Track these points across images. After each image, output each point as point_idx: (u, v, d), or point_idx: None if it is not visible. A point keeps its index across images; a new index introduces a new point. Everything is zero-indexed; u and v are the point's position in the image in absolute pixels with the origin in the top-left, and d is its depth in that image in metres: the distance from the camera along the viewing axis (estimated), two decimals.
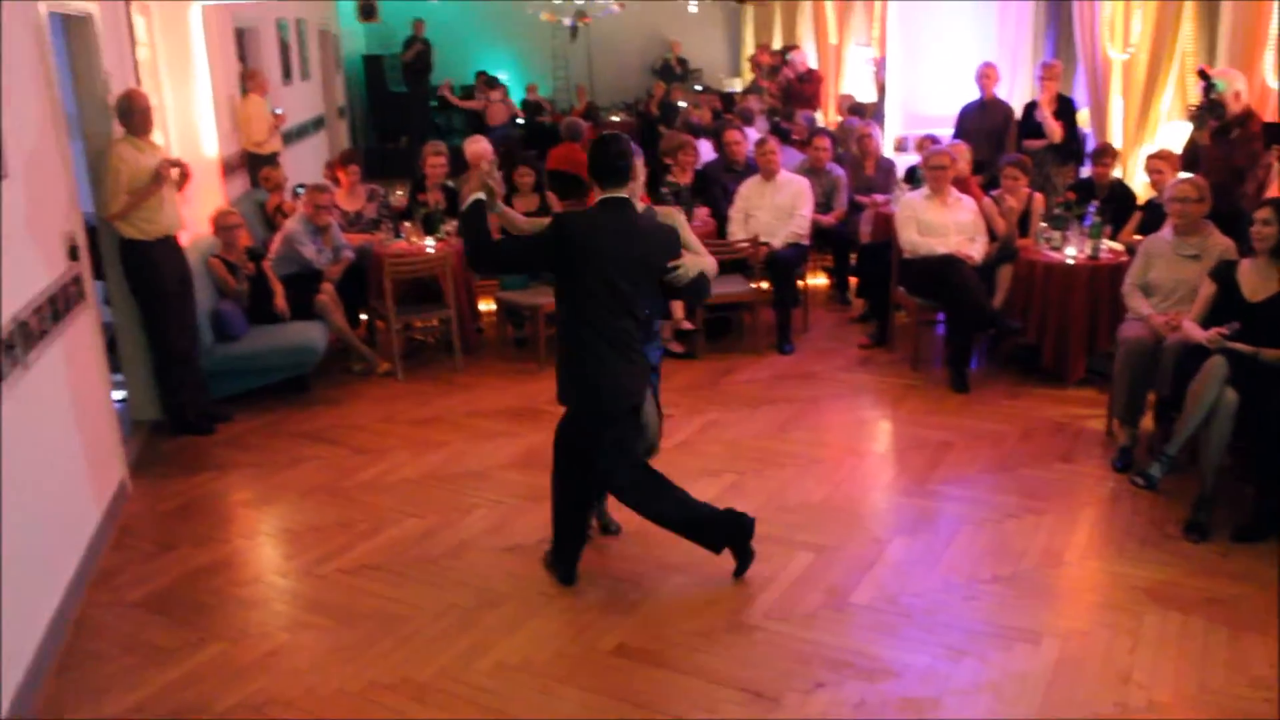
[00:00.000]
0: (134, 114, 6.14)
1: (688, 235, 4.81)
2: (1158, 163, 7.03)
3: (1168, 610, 4.43)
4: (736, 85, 18.51)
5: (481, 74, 17.15)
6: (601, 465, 4.60)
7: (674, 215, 4.93)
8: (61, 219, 5.17)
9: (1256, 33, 6.98)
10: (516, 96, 17.80)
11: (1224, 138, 6.46)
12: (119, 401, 6.32)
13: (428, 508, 5.58)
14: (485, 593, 4.72)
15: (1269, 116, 6.72)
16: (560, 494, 4.78)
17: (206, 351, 6.89)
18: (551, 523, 4.85)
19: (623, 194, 4.45)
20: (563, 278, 4.48)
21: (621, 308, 4.42)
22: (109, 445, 5.63)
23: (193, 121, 7.89)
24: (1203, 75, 6.54)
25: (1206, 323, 5.38)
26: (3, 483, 3.98)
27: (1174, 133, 8.03)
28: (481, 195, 4.55)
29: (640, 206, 4.67)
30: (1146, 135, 8.28)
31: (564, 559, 4.80)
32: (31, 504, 4.29)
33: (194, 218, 7.20)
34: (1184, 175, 6.36)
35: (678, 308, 7.76)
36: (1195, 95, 6.89)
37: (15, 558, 4.06)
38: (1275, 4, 6.73)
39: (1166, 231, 6.00)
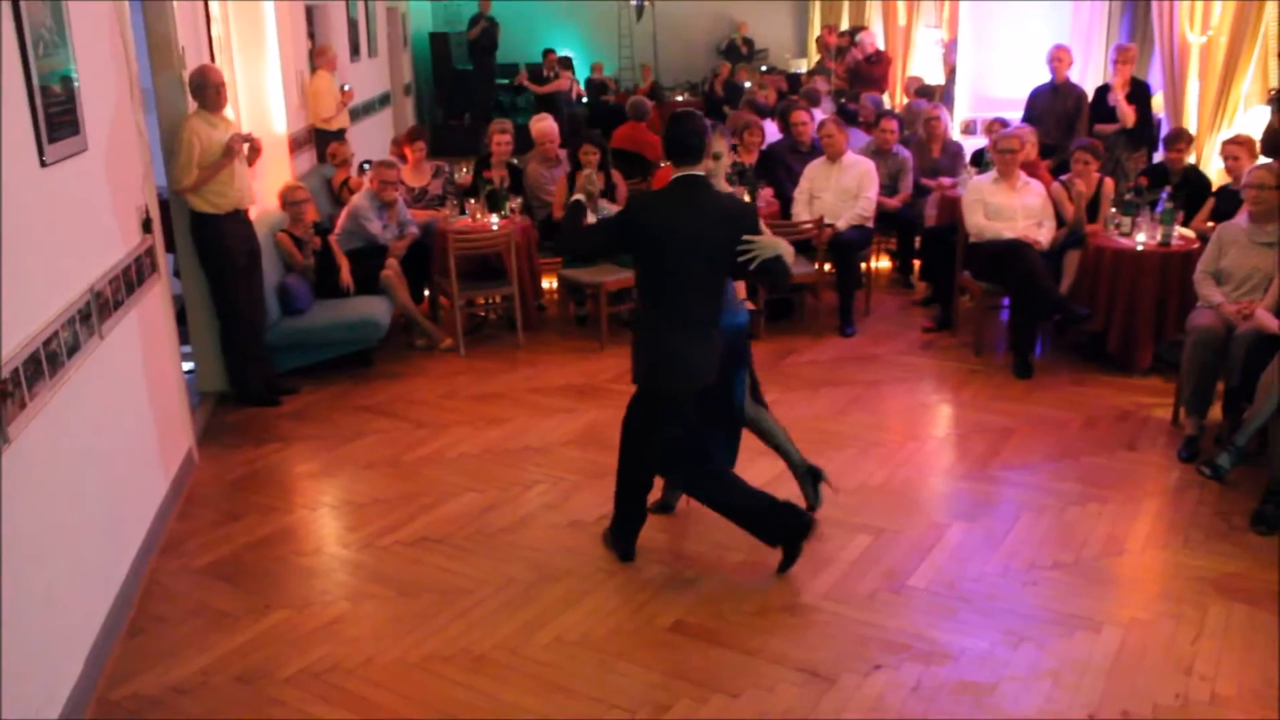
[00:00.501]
0: (207, 89, 6.23)
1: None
2: (1234, 148, 6.88)
3: (1233, 602, 4.36)
4: (802, 66, 18.39)
5: (550, 52, 17.14)
6: (663, 449, 4.60)
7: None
8: (136, 192, 5.27)
9: None
10: (581, 76, 17.82)
11: None
12: (187, 372, 6.43)
13: (488, 483, 5.64)
14: (544, 568, 4.77)
15: None
16: (622, 473, 4.79)
17: (273, 325, 7.00)
18: (614, 499, 4.87)
19: (696, 171, 4.40)
20: (637, 259, 4.52)
21: (694, 288, 4.40)
22: (177, 415, 5.74)
23: (263, 97, 8.00)
24: None
25: None
26: (77, 449, 4.08)
27: (1253, 118, 7.86)
28: (582, 197, 4.73)
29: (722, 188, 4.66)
30: (1223, 120, 8.11)
31: (623, 537, 4.83)
32: (104, 471, 4.40)
33: (262, 192, 7.30)
34: (1262, 161, 6.22)
35: (740, 288, 7.73)
36: (1277, 78, 6.73)
37: (88, 523, 4.17)
38: None
39: (1242, 218, 5.89)
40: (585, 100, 15.92)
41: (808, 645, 4.15)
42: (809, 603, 4.44)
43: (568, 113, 15.20)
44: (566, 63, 16.62)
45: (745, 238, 4.35)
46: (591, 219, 4.88)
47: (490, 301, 8.45)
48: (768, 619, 4.34)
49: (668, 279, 4.39)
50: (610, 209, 5.28)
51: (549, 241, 8.47)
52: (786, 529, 4.62)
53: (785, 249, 4.44)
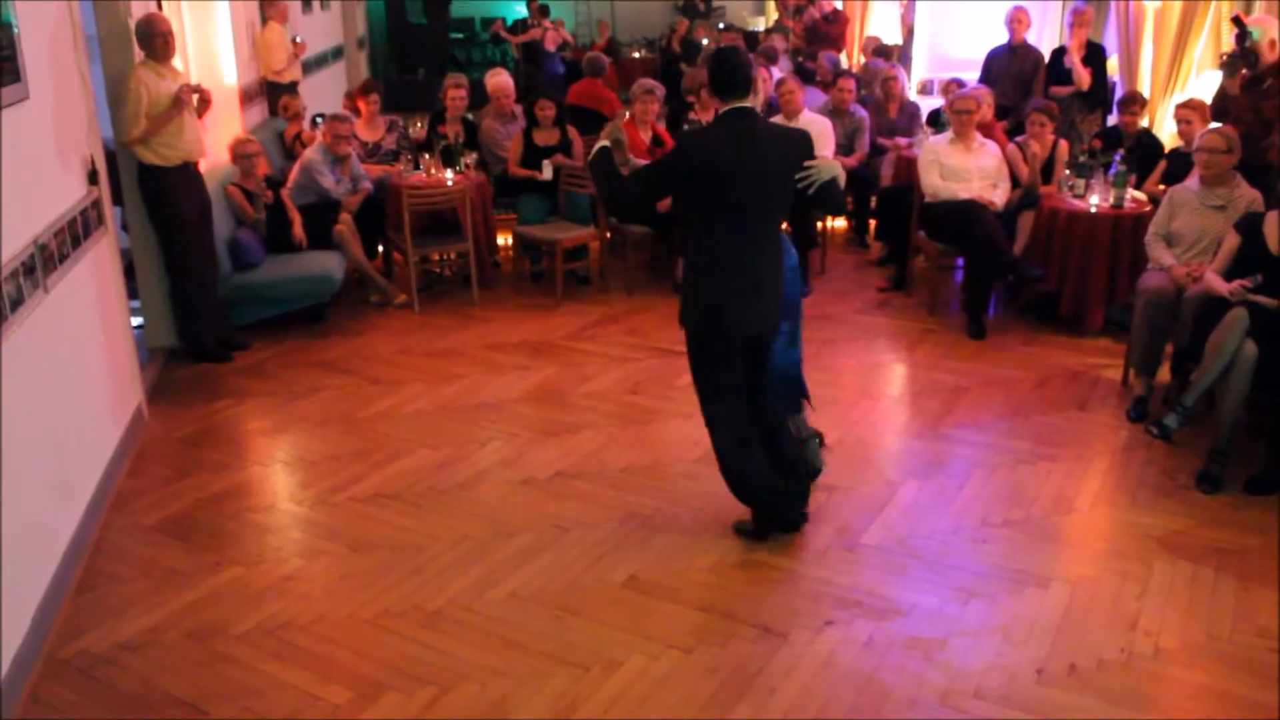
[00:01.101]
0: (154, 38, 6.09)
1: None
2: (1187, 112, 6.92)
3: (1177, 559, 4.44)
4: (760, 24, 18.27)
5: (534, 2, 16.77)
6: (701, 397, 4.50)
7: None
8: (81, 143, 5.16)
9: None
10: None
11: (1256, 88, 6.37)
12: (136, 328, 6.34)
13: (442, 439, 5.61)
14: (498, 524, 4.76)
15: None
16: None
17: (224, 279, 6.90)
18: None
19: (745, 104, 4.22)
20: (689, 202, 4.29)
21: (758, 223, 4.26)
22: (126, 371, 5.66)
23: (212, 48, 7.84)
24: (1236, 22, 6.43)
25: (1229, 275, 5.34)
26: (22, 406, 4.01)
27: (1205, 83, 7.92)
28: (607, 143, 4.42)
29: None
30: (1176, 84, 8.17)
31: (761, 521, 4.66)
32: (50, 427, 4.34)
33: (213, 145, 7.16)
34: (1213, 125, 6.28)
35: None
36: (1228, 43, 6.77)
37: (35, 479, 4.11)
38: None
39: (1193, 181, 5.94)
40: (567, 53, 15.48)
41: (760, 601, 4.18)
42: (762, 559, 4.47)
43: (549, 70, 14.93)
44: (545, 10, 16.27)
45: (806, 163, 4.26)
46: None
47: (445, 258, 8.38)
48: (721, 575, 4.36)
49: (730, 216, 4.20)
50: (639, 164, 4.91)
51: (504, 198, 8.40)
52: (776, 521, 4.63)
53: (839, 171, 4.35)
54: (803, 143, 4.37)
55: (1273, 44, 6.39)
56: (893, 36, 12.91)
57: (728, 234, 4.23)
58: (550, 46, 15.08)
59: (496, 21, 17.03)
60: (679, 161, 4.23)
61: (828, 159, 4.42)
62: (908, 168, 8.14)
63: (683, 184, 4.25)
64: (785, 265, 4.47)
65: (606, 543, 4.60)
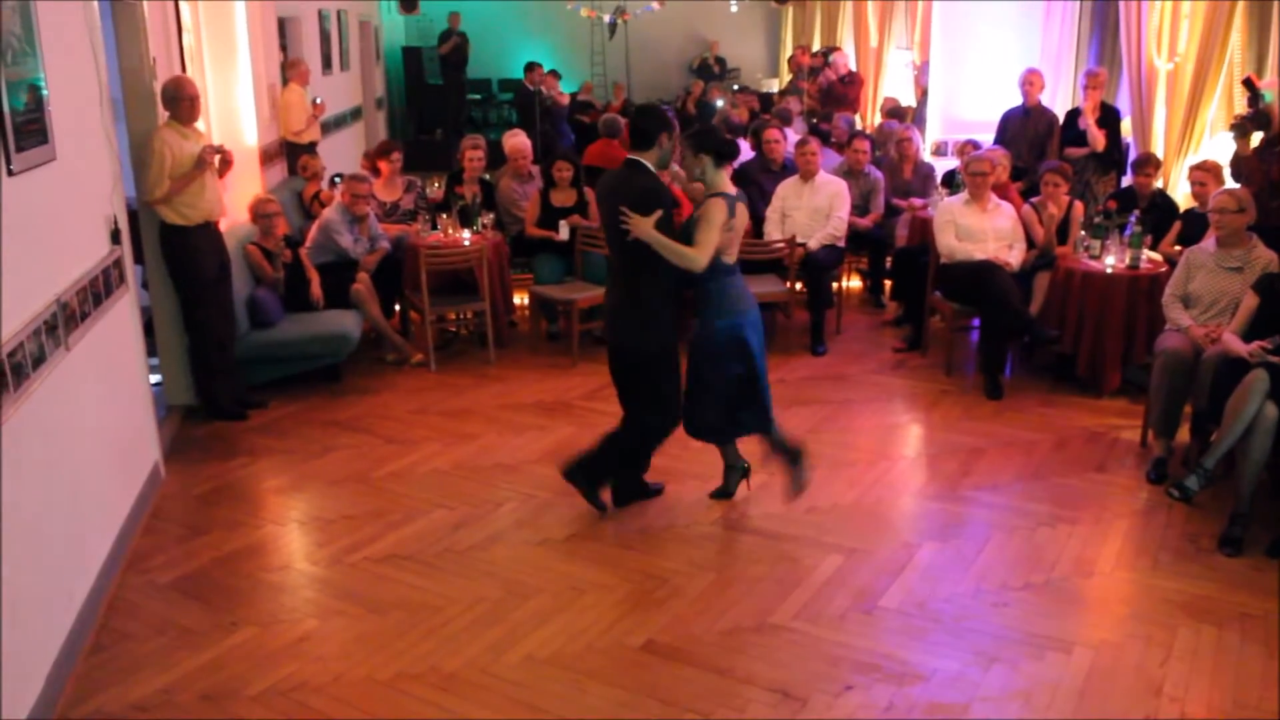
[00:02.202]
0: (181, 101, 6.18)
1: (702, 229, 4.91)
2: (1201, 174, 6.95)
3: (1201, 624, 4.39)
4: (774, 86, 18.48)
5: (537, 64, 16.91)
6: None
7: (710, 207, 4.93)
8: (105, 203, 5.21)
9: None
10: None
11: (1270, 150, 6.38)
12: (154, 385, 6.36)
13: (458, 499, 5.60)
14: (514, 585, 4.73)
15: None
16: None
17: (242, 338, 6.94)
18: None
19: (639, 157, 4.99)
20: None
21: (613, 256, 5.19)
22: (144, 428, 5.67)
23: (234, 109, 7.94)
24: (1248, 85, 6.47)
25: (1248, 336, 5.32)
26: (41, 461, 4.02)
27: (1218, 144, 7.95)
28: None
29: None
30: (1190, 146, 8.20)
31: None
32: (68, 482, 4.34)
33: (232, 205, 7.24)
34: (1226, 187, 6.29)
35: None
36: (1241, 105, 6.81)
37: (51, 536, 4.11)
38: None
39: (1209, 243, 5.94)
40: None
41: (779, 665, 4.13)
42: (780, 623, 4.42)
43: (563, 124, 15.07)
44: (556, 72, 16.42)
45: (621, 208, 4.85)
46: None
47: (461, 317, 8.41)
48: (739, 639, 4.32)
49: (609, 248, 5.21)
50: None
51: (520, 258, 8.45)
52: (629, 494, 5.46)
53: (648, 236, 4.82)
54: (642, 198, 4.87)
55: None
56: (907, 98, 13.02)
57: (612, 263, 5.25)
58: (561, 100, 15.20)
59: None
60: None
61: (640, 221, 4.82)
62: (923, 228, 8.17)
63: None
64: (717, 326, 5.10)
65: (623, 605, 4.57)
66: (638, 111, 5.20)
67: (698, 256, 4.85)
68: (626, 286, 5.09)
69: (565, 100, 15.48)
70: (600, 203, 5.17)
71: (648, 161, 4.99)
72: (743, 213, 5.04)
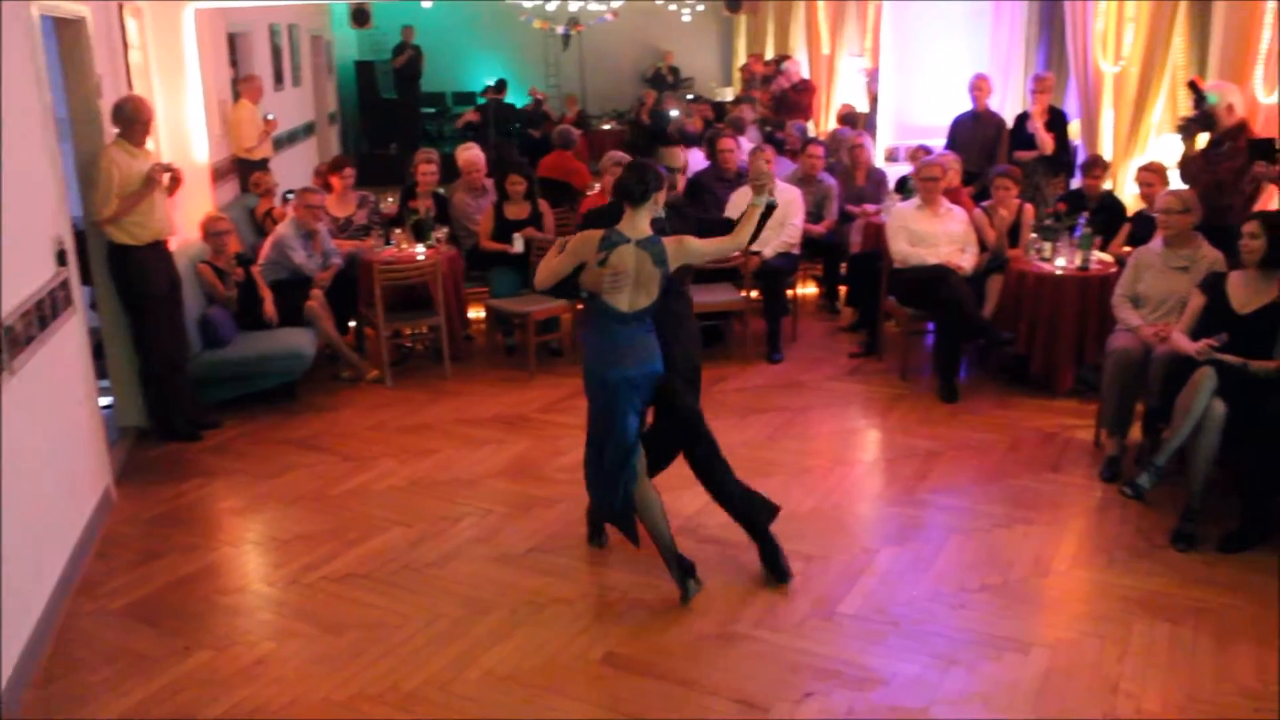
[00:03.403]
0: (136, 124, 6.13)
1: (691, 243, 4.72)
2: (1148, 175, 7.04)
3: (1156, 620, 4.43)
4: (728, 95, 18.53)
5: (501, 81, 16.90)
6: None
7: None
8: (50, 223, 5.15)
9: (1247, 47, 7.01)
10: (519, 104, 17.73)
11: (1215, 150, 6.48)
12: (105, 408, 6.28)
13: (415, 516, 5.56)
14: (473, 602, 4.70)
15: (1260, 130, 6.74)
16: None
17: (194, 358, 6.87)
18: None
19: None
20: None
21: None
22: (94, 452, 5.60)
23: (183, 126, 7.88)
24: (1193, 87, 6.56)
25: (1195, 334, 5.39)
26: None
27: (1165, 146, 8.05)
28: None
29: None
30: (1137, 148, 8.31)
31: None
32: (16, 510, 4.26)
33: (183, 223, 7.18)
34: (1173, 188, 6.38)
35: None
36: (1186, 107, 6.90)
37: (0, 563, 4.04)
38: (1266, 19, 6.75)
39: (1156, 243, 6.02)
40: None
41: (740, 674, 4.13)
42: (740, 631, 4.43)
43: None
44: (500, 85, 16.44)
45: None
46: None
47: (417, 332, 8.37)
48: (699, 649, 4.32)
49: None
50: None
51: (475, 272, 8.42)
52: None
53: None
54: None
55: (1230, 108, 6.51)
56: (860, 105, 13.10)
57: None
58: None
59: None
60: None
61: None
62: (876, 234, 8.22)
63: None
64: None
65: (583, 618, 4.56)
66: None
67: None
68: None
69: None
70: None
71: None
72: (625, 256, 4.55)
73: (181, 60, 7.91)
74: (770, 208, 4.80)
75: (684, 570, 4.70)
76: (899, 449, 6.36)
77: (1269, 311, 5.23)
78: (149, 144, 6.45)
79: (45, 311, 4.88)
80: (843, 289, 9.17)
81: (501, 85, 16.43)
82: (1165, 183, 6.81)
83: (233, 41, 10.38)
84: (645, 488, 4.70)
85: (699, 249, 4.67)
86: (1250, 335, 5.20)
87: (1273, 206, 6.37)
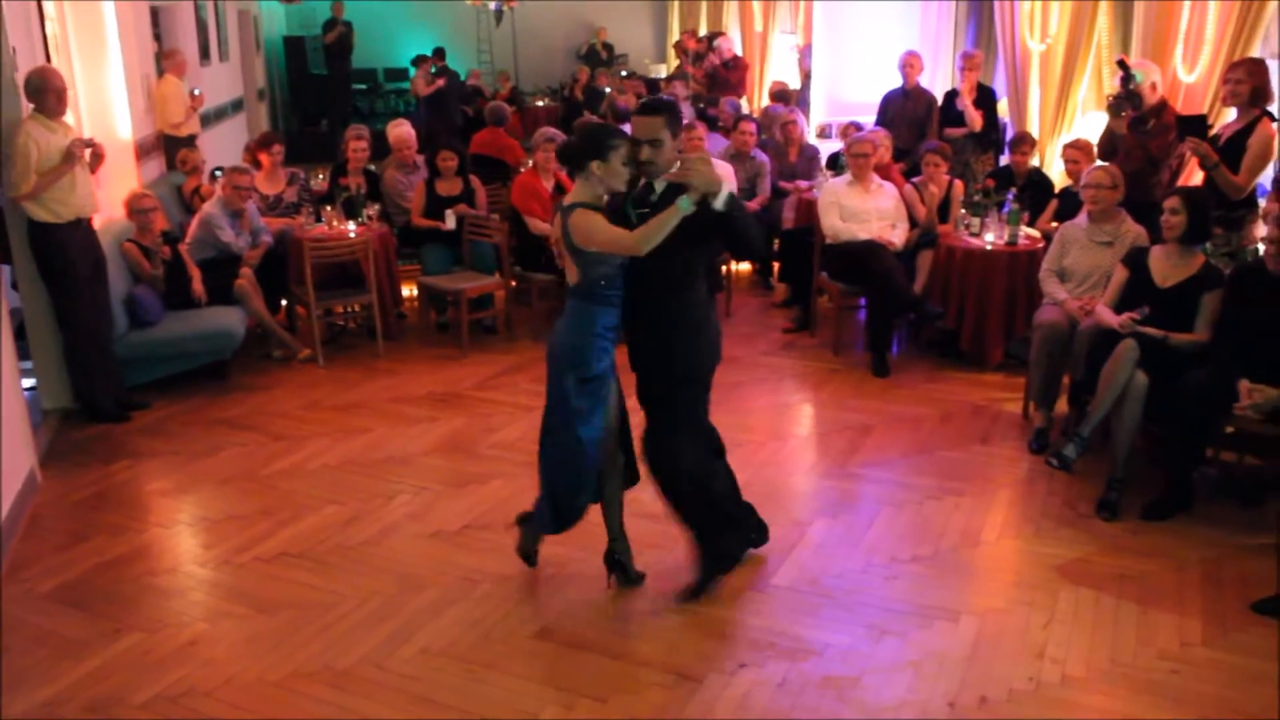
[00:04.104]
0: (48, 94, 5.97)
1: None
2: (1074, 152, 7.16)
3: (1080, 587, 4.54)
4: (662, 71, 18.51)
5: (440, 50, 16.56)
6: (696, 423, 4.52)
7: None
8: None
9: (1168, 27, 7.16)
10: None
11: (1140, 128, 6.60)
12: (29, 389, 6.16)
13: (349, 494, 5.53)
14: (408, 579, 4.69)
15: (1179, 109, 6.89)
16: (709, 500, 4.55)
17: (121, 338, 6.75)
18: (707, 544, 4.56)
19: None
20: (707, 244, 4.30)
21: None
22: (17, 434, 5.48)
23: (106, 101, 7.70)
24: (1122, 65, 6.66)
25: (1119, 308, 5.50)
26: None
27: (1090, 123, 8.19)
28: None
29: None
30: (1063, 125, 8.45)
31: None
32: None
33: (108, 201, 7.03)
34: (1099, 164, 6.49)
35: None
36: (1113, 85, 7.02)
37: None
38: (1185, 0, 6.89)
39: (1082, 219, 6.13)
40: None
41: (674, 647, 4.17)
42: (673, 604, 4.45)
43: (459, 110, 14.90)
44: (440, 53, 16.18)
45: None
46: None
47: (349, 310, 8.28)
48: (632, 622, 4.35)
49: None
50: None
51: (407, 249, 8.36)
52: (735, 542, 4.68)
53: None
54: None
55: (1154, 86, 6.63)
56: (792, 82, 13.15)
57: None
58: (416, 93, 15.03)
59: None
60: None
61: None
62: (809, 210, 8.28)
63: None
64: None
65: (517, 594, 4.56)
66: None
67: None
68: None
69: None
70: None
71: None
72: (555, 222, 4.41)
73: (102, 34, 7.73)
74: (708, 210, 4.02)
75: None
76: (831, 423, 6.42)
77: (1189, 285, 5.35)
78: (69, 119, 6.31)
79: None
80: (776, 265, 9.22)
81: (440, 53, 16.14)
82: (1091, 159, 6.93)
83: (156, 15, 10.17)
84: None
85: (599, 234, 4.10)
86: (1171, 309, 5.33)
87: (1195, 183, 6.50)
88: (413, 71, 15.29)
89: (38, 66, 6.04)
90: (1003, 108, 9.47)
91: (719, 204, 4.02)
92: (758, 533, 4.86)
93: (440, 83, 14.73)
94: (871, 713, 3.78)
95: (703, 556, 4.54)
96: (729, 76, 13.80)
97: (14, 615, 4.48)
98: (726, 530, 4.62)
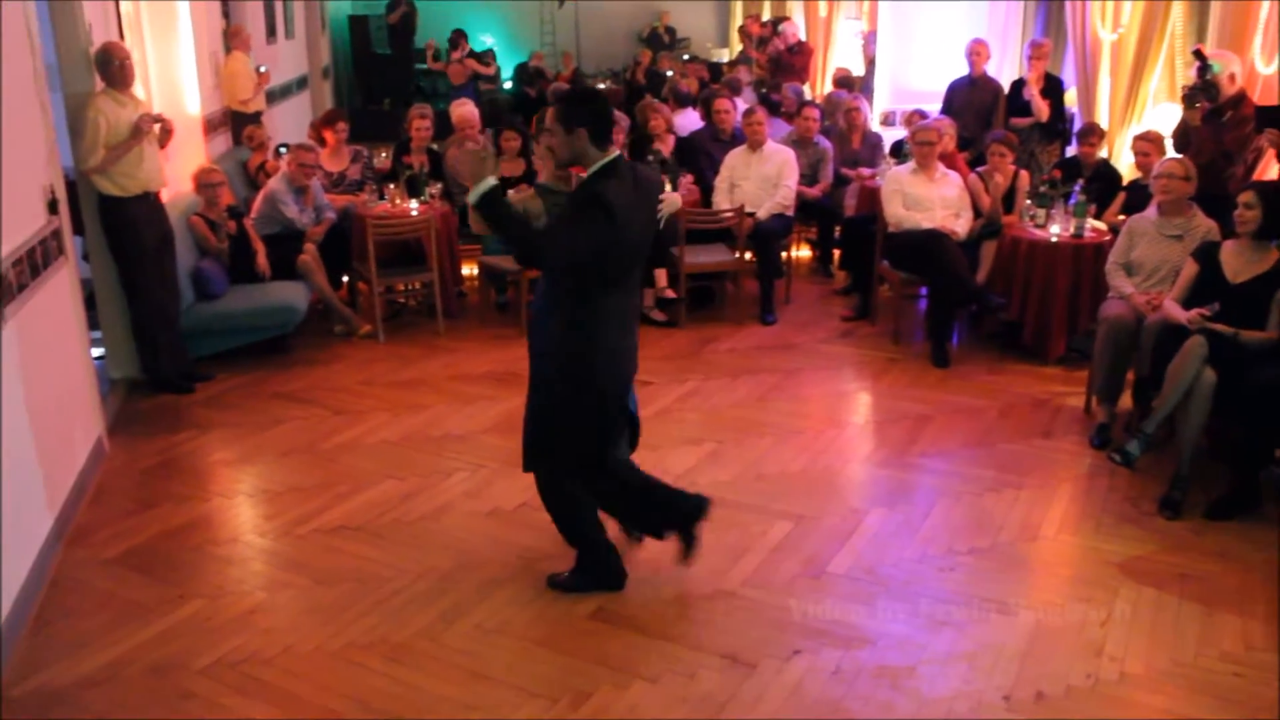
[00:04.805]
0: (112, 65, 6.06)
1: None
2: (1144, 144, 7.03)
3: (1141, 585, 4.47)
4: (724, 56, 18.41)
5: (458, 31, 16.66)
6: (589, 455, 4.28)
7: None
8: (40, 172, 5.11)
9: (1247, 17, 6.98)
10: (508, 61, 17.55)
11: (1216, 120, 6.47)
12: (97, 359, 6.27)
13: (407, 470, 5.57)
14: (464, 556, 4.73)
15: (1257, 100, 6.73)
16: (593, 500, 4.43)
17: (187, 310, 6.85)
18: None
19: (616, 151, 4.06)
20: (612, 263, 3.96)
21: (636, 275, 4.19)
22: (86, 402, 5.59)
23: (175, 78, 7.80)
24: (1198, 56, 6.53)
25: (1188, 303, 5.41)
26: None
27: (1161, 115, 8.04)
28: (493, 180, 3.92)
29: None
30: (1133, 116, 8.29)
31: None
32: (8, 459, 4.26)
33: (176, 175, 7.13)
34: (1172, 155, 6.37)
35: (660, 276, 7.76)
36: (1189, 76, 6.88)
37: None
38: None
39: (1151, 211, 6.02)
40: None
41: (728, 631, 4.17)
42: (729, 589, 4.45)
43: (487, 98, 15.00)
44: (455, 41, 16.21)
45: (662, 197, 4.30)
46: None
47: (410, 288, 8.35)
48: (688, 605, 4.35)
49: (627, 271, 4.06)
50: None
51: (469, 228, 8.39)
52: (681, 514, 4.44)
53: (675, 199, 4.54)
54: (658, 183, 4.47)
55: (1232, 78, 6.49)
56: (856, 68, 13.04)
57: (624, 288, 4.08)
58: (454, 81, 15.10)
59: (428, 44, 16.92)
60: (615, 229, 3.82)
61: (673, 195, 4.61)
62: (871, 198, 8.21)
63: (613, 248, 3.90)
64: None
65: None
66: (598, 98, 4.17)
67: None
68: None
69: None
70: (637, 214, 3.98)
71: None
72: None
73: (173, 11, 7.83)
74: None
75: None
76: (889, 412, 6.38)
77: (1262, 281, 5.25)
78: (140, 94, 6.40)
79: (37, 260, 4.86)
80: (836, 252, 9.16)
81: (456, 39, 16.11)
82: (1162, 152, 6.80)
83: None
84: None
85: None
86: (1242, 305, 5.23)
87: (1270, 177, 6.36)
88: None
89: (106, 41, 6.12)
90: (1070, 97, 9.32)
91: (470, 197, 3.93)
92: (688, 516, 4.44)
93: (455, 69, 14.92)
94: (926, 704, 3.75)
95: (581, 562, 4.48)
96: (793, 61, 13.71)
97: (81, 578, 4.57)
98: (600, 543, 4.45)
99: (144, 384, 6.67)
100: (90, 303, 6.29)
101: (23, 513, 4.43)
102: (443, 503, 5.24)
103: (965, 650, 4.05)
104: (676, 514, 4.43)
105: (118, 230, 6.27)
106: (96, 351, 6.28)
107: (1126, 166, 7.92)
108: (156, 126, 6.29)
